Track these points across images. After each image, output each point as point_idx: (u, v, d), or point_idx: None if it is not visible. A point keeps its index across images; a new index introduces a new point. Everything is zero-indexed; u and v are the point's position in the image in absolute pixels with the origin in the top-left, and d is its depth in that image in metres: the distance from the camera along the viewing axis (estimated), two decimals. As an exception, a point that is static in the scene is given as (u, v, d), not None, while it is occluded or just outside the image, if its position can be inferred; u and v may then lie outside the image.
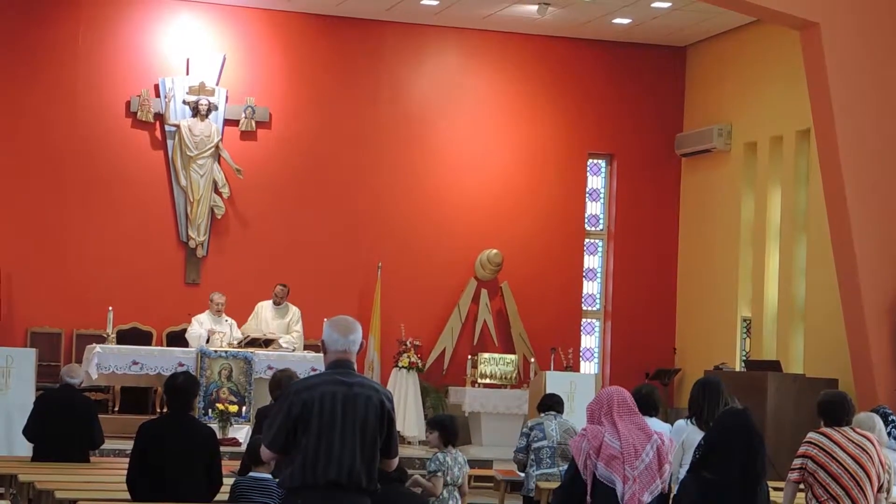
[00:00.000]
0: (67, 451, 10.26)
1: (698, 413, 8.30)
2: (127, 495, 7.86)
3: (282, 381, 8.46)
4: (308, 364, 14.62)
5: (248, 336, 15.49)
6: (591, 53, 18.63)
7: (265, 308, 16.22)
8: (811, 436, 7.70)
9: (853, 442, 7.62)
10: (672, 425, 8.47)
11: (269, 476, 7.49)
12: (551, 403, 10.74)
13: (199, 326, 15.57)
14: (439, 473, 8.65)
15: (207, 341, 15.34)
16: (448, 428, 8.82)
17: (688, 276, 18.67)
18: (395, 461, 5.97)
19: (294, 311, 16.24)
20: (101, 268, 16.82)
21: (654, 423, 8.15)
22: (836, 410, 7.77)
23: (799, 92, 15.34)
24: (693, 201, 18.66)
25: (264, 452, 5.87)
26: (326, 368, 5.87)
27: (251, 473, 7.58)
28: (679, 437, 8.09)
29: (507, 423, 16.46)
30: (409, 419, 15.87)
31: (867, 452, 7.61)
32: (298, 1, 17.24)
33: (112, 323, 15.36)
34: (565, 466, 10.00)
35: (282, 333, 15.94)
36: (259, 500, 7.46)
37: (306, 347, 15.93)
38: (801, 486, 7.70)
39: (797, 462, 7.67)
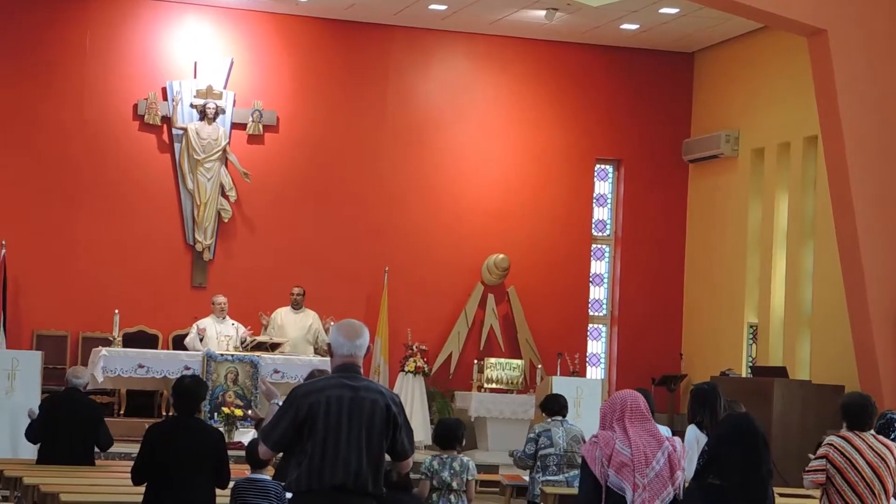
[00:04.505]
0: (72, 453, 10.24)
1: (699, 422, 8.31)
2: (131, 498, 7.86)
3: None
4: (314, 367, 14.59)
5: (255, 339, 15.49)
6: (599, 59, 18.62)
7: (281, 314, 16.19)
8: (832, 439, 7.66)
9: (873, 449, 7.59)
10: (668, 429, 8.48)
11: (267, 478, 7.50)
12: (558, 408, 10.58)
13: (195, 330, 15.51)
14: (422, 477, 8.72)
15: (201, 340, 15.32)
16: (438, 434, 8.90)
17: (694, 281, 18.65)
18: (410, 462, 5.99)
19: (313, 316, 16.21)
20: (108, 271, 16.83)
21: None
22: (859, 414, 7.72)
23: (806, 99, 15.32)
24: (700, 207, 18.64)
25: (264, 452, 5.88)
26: (333, 372, 5.88)
27: (249, 475, 7.59)
28: (694, 442, 8.09)
29: (513, 428, 16.42)
30: (415, 424, 15.83)
31: (885, 461, 7.57)
32: (306, 5, 17.25)
33: (118, 326, 15.37)
34: (571, 474, 10.04)
35: (301, 337, 15.91)
36: (255, 502, 7.46)
37: (317, 353, 15.92)
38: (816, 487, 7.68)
39: (818, 464, 7.61)
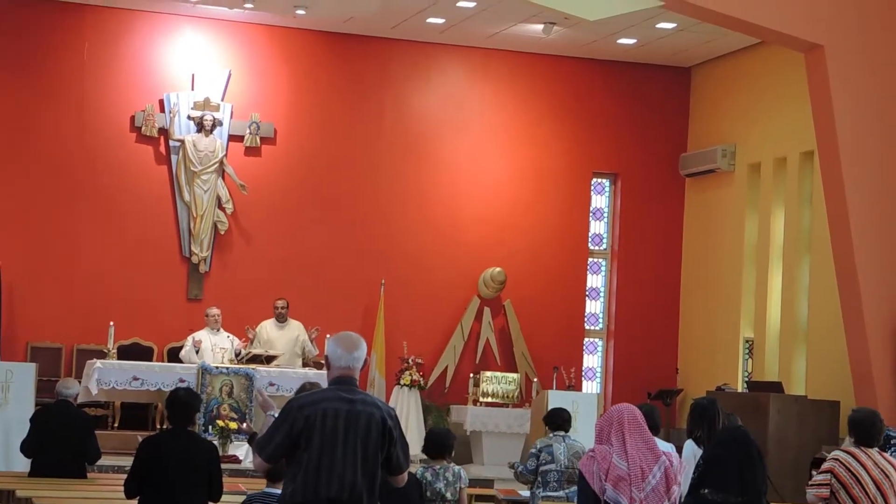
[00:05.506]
0: (64, 466, 10.21)
1: (696, 436, 8.31)
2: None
3: None
4: (307, 380, 14.54)
5: (250, 352, 15.45)
6: (596, 73, 18.63)
7: (266, 328, 16.11)
8: (837, 454, 7.66)
9: (878, 466, 7.58)
10: (672, 445, 8.47)
11: (279, 492, 7.47)
12: (560, 422, 10.50)
13: (190, 343, 15.47)
14: None
15: (197, 352, 15.27)
16: (428, 444, 8.93)
17: (691, 296, 18.64)
18: (405, 476, 5.96)
19: (299, 326, 16.15)
20: (103, 283, 16.81)
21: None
22: (866, 430, 7.71)
23: (803, 113, 15.33)
24: (697, 221, 18.65)
25: (259, 463, 5.86)
26: (329, 384, 5.86)
27: (264, 489, 7.56)
28: (691, 457, 8.08)
29: (508, 443, 16.40)
30: (411, 437, 15.79)
31: (889, 478, 7.57)
32: (304, 17, 17.25)
33: (113, 338, 15.31)
34: (571, 489, 10.01)
35: (289, 350, 15.86)
36: None
37: (305, 364, 15.88)
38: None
39: (823, 478, 7.60)
